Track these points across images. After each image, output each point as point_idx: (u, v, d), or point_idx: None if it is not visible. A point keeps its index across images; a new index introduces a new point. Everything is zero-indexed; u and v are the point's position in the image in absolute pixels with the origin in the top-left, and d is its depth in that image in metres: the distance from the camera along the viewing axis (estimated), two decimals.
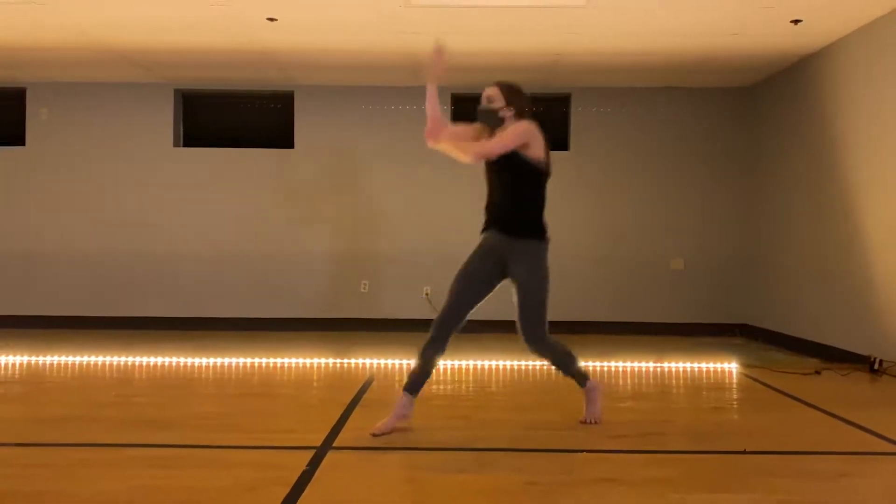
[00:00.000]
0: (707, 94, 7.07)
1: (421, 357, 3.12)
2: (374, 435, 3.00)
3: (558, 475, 2.57)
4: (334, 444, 2.93)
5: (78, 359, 5.05)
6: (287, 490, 2.37)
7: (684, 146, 7.11)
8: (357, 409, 3.58)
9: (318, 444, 2.92)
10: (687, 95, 7.08)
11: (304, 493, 2.34)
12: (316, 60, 6.27)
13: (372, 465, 2.69)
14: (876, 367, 4.68)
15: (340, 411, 3.50)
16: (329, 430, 3.13)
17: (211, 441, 3.00)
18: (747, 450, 2.90)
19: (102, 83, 7.07)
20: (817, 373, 4.72)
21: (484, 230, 3.28)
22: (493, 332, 6.65)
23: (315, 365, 4.95)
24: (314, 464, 2.65)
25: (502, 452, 2.85)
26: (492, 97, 3.34)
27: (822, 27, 5.19)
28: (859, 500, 2.36)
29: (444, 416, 3.48)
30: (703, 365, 4.99)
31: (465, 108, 7.24)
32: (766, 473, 2.62)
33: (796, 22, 5.07)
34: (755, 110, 6.91)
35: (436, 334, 3.11)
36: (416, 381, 3.13)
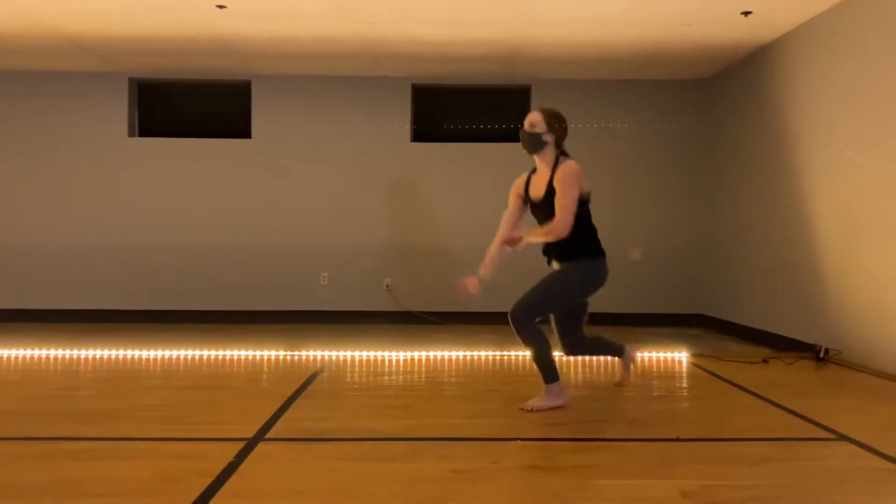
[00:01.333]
0: (664, 87, 7.11)
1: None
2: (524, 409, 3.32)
3: (485, 463, 2.57)
4: (266, 436, 2.90)
5: (23, 352, 4.96)
6: (209, 481, 2.34)
7: (642, 138, 7.15)
8: (298, 401, 3.56)
9: (251, 435, 2.89)
10: (644, 87, 7.11)
11: (224, 484, 2.32)
12: (272, 49, 6.20)
13: (299, 455, 2.67)
14: (822, 355, 4.75)
15: (280, 403, 3.47)
16: (264, 422, 3.10)
17: (145, 433, 2.97)
18: (680, 437, 2.92)
19: (55, 72, 6.94)
20: (765, 361, 4.78)
21: (549, 263, 3.61)
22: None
23: (266, 357, 4.91)
24: (241, 455, 2.62)
25: (434, 442, 2.84)
26: (534, 122, 3.57)
27: (771, 20, 5.23)
28: (777, 483, 2.39)
29: (385, 406, 3.47)
30: (655, 354, 5.03)
31: (424, 97, 7.23)
32: (693, 460, 2.64)
33: (746, 14, 5.11)
34: (711, 102, 6.96)
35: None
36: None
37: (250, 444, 2.77)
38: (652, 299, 7.11)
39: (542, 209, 3.47)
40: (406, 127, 7.13)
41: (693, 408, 3.57)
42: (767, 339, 5.65)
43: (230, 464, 2.52)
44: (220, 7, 5.05)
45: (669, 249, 7.15)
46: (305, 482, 2.37)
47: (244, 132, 7.12)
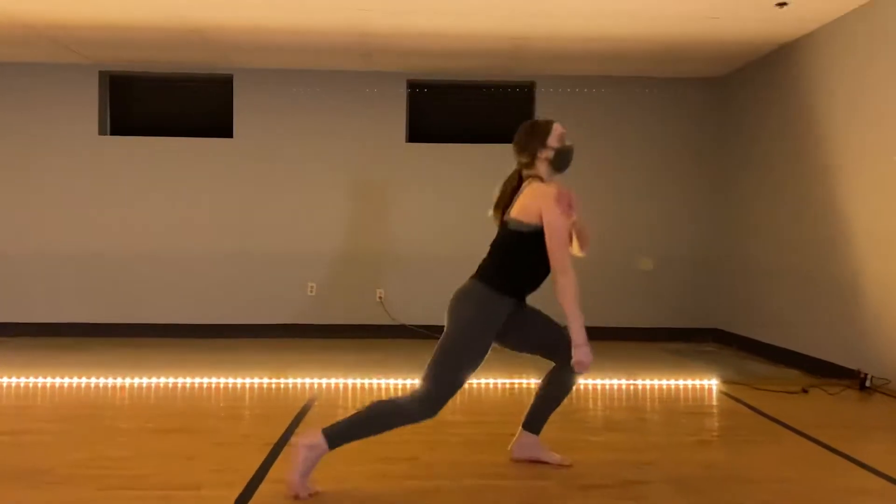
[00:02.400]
0: (675, 85, 6.64)
1: None
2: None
3: None
4: None
5: None
6: None
7: (653, 141, 6.68)
8: (285, 450, 3.03)
9: None
10: (654, 85, 6.64)
11: None
12: (255, 41, 5.66)
13: None
14: (867, 384, 4.29)
15: (264, 455, 2.95)
16: (245, 485, 2.58)
17: (103, 501, 2.43)
18: None
19: (18, 63, 6.35)
20: (804, 391, 4.31)
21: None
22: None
23: (248, 386, 4.38)
24: None
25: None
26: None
27: (808, 11, 4.76)
28: None
29: (385, 458, 2.95)
30: (680, 382, 4.55)
31: (420, 94, 6.70)
32: None
33: (782, 5, 4.63)
34: (728, 102, 6.49)
35: None
36: None
37: None
38: (664, 313, 6.64)
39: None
40: (401, 126, 6.61)
41: (746, 460, 3.06)
42: (794, 360, 5.19)
43: None
44: None
45: (680, 259, 6.68)
46: None
47: (225, 131, 6.56)
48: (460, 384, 2.59)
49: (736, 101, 6.35)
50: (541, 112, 6.60)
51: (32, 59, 6.27)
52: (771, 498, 2.57)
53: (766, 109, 5.83)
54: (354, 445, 2.58)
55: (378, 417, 2.56)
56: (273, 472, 2.75)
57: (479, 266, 2.74)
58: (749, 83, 6.12)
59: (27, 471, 2.75)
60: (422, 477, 2.75)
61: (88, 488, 2.57)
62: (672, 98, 6.66)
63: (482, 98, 6.80)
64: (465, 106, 6.82)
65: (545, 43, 5.61)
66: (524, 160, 2.79)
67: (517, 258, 2.68)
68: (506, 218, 2.76)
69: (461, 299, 2.65)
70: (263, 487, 2.59)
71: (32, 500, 2.45)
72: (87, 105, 6.47)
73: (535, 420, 2.90)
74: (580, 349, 2.56)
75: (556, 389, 2.85)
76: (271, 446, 3.08)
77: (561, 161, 2.76)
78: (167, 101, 6.70)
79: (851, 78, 4.72)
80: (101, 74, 6.51)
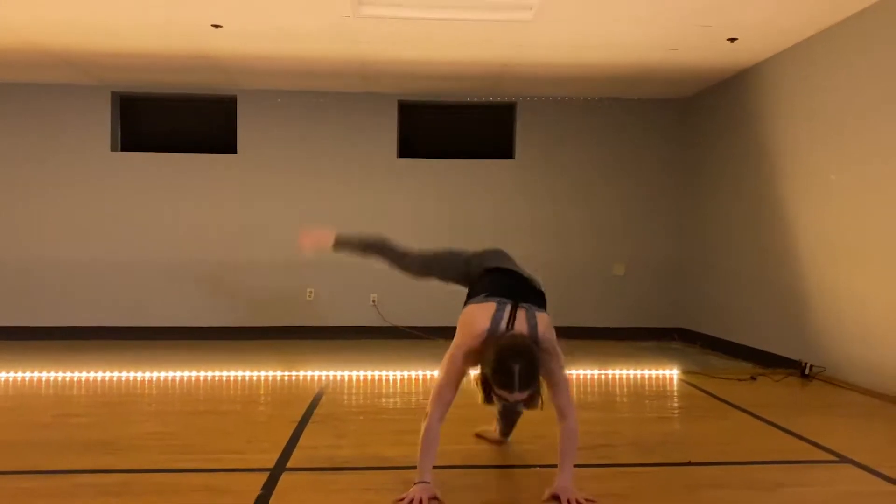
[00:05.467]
0: (646, 105, 7.27)
1: None
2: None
3: (515, 493, 2.62)
4: (288, 466, 2.91)
5: (10, 374, 4.85)
6: None
7: (625, 155, 7.29)
8: (309, 426, 3.56)
9: (272, 465, 2.89)
10: (627, 106, 7.26)
11: None
12: (261, 67, 6.18)
13: (326, 486, 2.68)
14: (807, 371, 4.91)
15: (291, 429, 3.47)
16: (281, 451, 3.10)
17: (159, 464, 2.94)
18: (692, 461, 3.00)
19: (35, 84, 6.81)
20: (753, 378, 4.92)
21: None
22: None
23: (262, 378, 4.89)
24: (268, 487, 2.63)
25: (457, 470, 2.88)
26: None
27: (756, 45, 5.40)
28: None
29: (396, 431, 3.48)
30: (646, 371, 5.14)
31: (410, 114, 7.26)
32: (710, 485, 2.72)
33: (732, 40, 5.26)
34: (692, 121, 7.14)
35: None
36: None
37: (274, 476, 2.77)
38: (633, 314, 7.24)
39: None
40: (392, 142, 7.16)
41: (696, 430, 3.66)
42: (749, 354, 5.81)
43: (259, 497, 2.52)
44: (216, 27, 5.03)
45: (651, 264, 7.30)
46: None
47: (229, 147, 7.07)
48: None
49: (699, 121, 7.00)
50: (521, 131, 7.20)
51: (50, 81, 6.73)
52: (715, 456, 3.14)
53: (726, 127, 6.47)
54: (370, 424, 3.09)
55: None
56: (303, 440, 3.28)
57: None
58: (710, 105, 6.76)
59: (94, 442, 3.25)
60: None
61: (152, 453, 3.08)
62: (641, 117, 7.29)
63: (467, 117, 7.38)
64: (451, 124, 7.40)
65: (525, 69, 6.19)
66: None
67: None
68: None
69: None
70: (297, 453, 3.10)
71: (112, 463, 2.94)
72: (100, 123, 6.94)
73: None
74: None
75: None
76: (296, 423, 3.60)
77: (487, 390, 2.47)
78: (175, 119, 7.19)
79: (798, 102, 5.36)
80: (113, 95, 6.98)
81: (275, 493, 2.59)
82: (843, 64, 4.82)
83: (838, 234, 4.86)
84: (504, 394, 2.33)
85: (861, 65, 4.64)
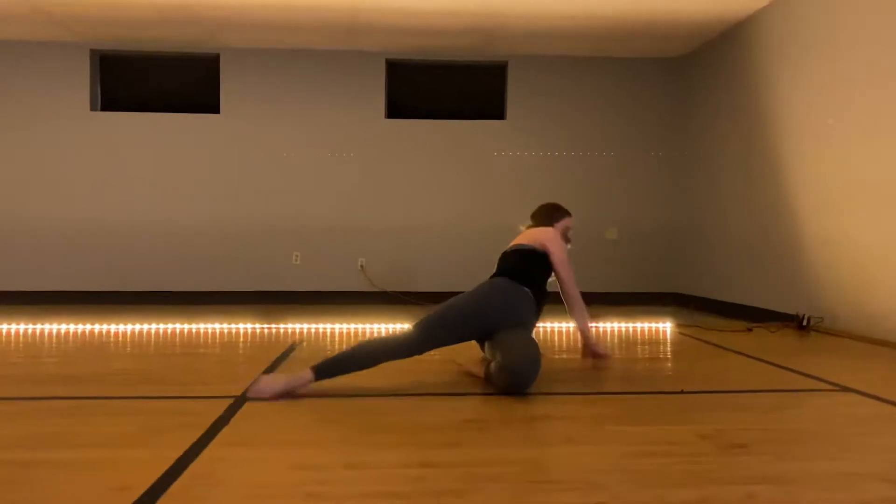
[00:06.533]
0: (639, 65, 7.10)
1: None
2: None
3: (495, 413, 2.46)
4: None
5: None
6: (199, 433, 2.18)
7: (617, 117, 7.13)
8: (282, 366, 3.39)
9: (237, 394, 2.73)
10: (620, 65, 7.09)
11: (217, 435, 2.16)
12: (242, 17, 5.98)
13: (295, 411, 2.51)
14: (805, 323, 4.75)
15: (264, 367, 3.31)
16: (249, 382, 2.93)
17: (125, 393, 2.78)
18: (684, 390, 2.85)
19: (12, 41, 6.61)
20: (749, 330, 4.77)
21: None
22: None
23: (242, 330, 4.72)
24: (230, 411, 2.46)
25: (439, 397, 2.72)
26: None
27: None
28: (792, 427, 2.32)
29: (378, 370, 3.31)
30: (639, 324, 4.98)
31: (398, 73, 7.08)
32: (702, 409, 2.56)
33: None
34: (685, 80, 6.97)
35: None
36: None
37: (238, 402, 2.60)
38: (626, 278, 7.09)
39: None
40: (380, 103, 6.98)
41: (690, 367, 3.50)
42: (747, 313, 5.65)
43: (219, 417, 2.36)
44: None
45: (644, 228, 7.13)
46: (309, 433, 2.22)
47: (213, 107, 6.89)
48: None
49: (693, 80, 6.82)
50: (513, 92, 7.02)
51: (28, 38, 6.54)
52: (704, 385, 2.98)
53: (718, 85, 6.30)
54: None
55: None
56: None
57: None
58: (703, 62, 6.59)
59: (56, 376, 3.09)
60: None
61: (115, 385, 2.93)
62: (634, 77, 7.11)
63: (457, 77, 7.20)
64: (441, 84, 7.21)
65: (517, 21, 6.01)
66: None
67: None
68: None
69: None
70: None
71: (69, 392, 2.78)
72: (80, 82, 6.75)
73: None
74: None
75: None
76: (269, 363, 3.43)
77: None
78: (157, 78, 7.00)
79: (794, 52, 5.19)
80: (92, 53, 6.79)
81: (237, 414, 2.42)
82: (840, 8, 4.64)
83: (835, 182, 4.69)
84: (569, 220, 3.76)
85: (859, 9, 4.46)
